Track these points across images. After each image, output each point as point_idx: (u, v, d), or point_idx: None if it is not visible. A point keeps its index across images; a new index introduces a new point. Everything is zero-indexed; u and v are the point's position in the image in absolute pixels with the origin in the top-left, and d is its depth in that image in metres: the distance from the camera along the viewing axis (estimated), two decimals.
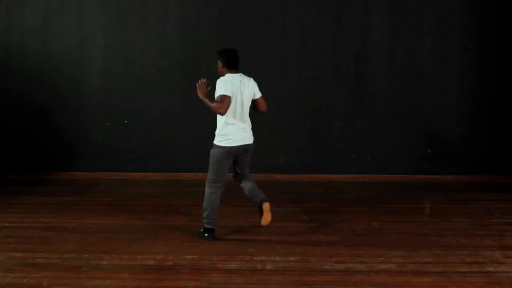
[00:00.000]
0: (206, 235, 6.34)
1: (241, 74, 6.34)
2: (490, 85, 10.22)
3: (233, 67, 6.33)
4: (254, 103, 6.44)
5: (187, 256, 5.77)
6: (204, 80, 6.33)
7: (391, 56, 10.22)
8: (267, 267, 5.51)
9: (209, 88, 6.30)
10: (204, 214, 6.35)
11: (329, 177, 10.11)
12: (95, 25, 10.17)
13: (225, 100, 6.07)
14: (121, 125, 10.23)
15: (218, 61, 6.36)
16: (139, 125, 10.23)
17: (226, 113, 6.15)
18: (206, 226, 6.36)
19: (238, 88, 6.22)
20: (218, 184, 6.34)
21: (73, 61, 10.19)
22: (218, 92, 6.10)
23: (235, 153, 6.30)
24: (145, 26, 10.19)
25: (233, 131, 6.25)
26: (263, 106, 6.46)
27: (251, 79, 6.39)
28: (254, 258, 5.75)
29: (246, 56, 10.09)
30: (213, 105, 6.12)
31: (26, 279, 5.11)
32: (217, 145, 6.30)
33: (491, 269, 5.50)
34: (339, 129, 10.27)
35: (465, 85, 10.25)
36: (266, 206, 6.36)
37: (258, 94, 6.42)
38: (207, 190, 6.36)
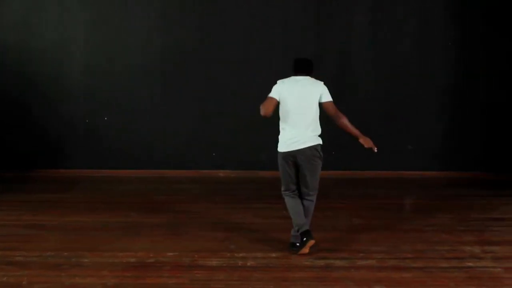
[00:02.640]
0: (304, 239, 5.81)
1: (307, 77, 6.01)
2: (471, 82, 10.26)
3: (299, 70, 6.06)
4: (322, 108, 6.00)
5: (168, 253, 5.76)
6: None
7: (373, 53, 10.24)
8: (248, 263, 5.52)
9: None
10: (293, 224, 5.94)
11: None
12: (76, 21, 10.11)
13: (265, 101, 5.89)
14: (104, 122, 10.18)
15: None
16: (122, 122, 10.19)
17: (283, 118, 5.94)
18: (299, 232, 5.87)
19: (293, 90, 5.89)
20: (286, 192, 6.04)
21: (55, 57, 10.12)
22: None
23: (289, 159, 5.94)
24: (128, 22, 10.15)
25: (286, 136, 5.97)
26: (329, 111, 5.99)
27: (319, 82, 6.01)
28: (235, 254, 5.76)
29: (228, 53, 10.18)
30: None
31: (5, 278, 5.08)
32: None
33: (470, 264, 5.54)
34: (322, 125, 10.25)
35: (447, 82, 10.29)
36: (310, 243, 5.78)
37: (324, 99, 5.97)
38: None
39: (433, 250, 5.95)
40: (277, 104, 5.90)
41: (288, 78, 6.03)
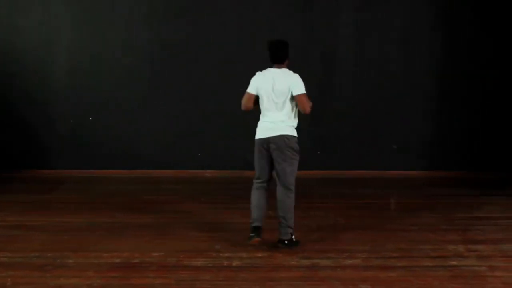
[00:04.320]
0: (252, 234, 5.97)
1: (283, 69, 6.08)
2: (457, 82, 10.32)
3: (272, 61, 6.13)
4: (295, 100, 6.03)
5: (153, 254, 5.75)
6: None
7: (358, 53, 10.27)
8: (234, 263, 5.52)
9: None
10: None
11: (297, 173, 10.12)
12: (61, 21, 10.06)
13: (244, 96, 6.11)
14: (89, 122, 10.14)
15: None
16: (108, 122, 10.15)
17: (261, 108, 6.05)
18: (251, 225, 6.02)
19: (268, 83, 5.99)
20: (254, 181, 6.16)
21: (39, 57, 10.07)
22: None
23: (262, 146, 6.01)
24: (113, 22, 10.11)
25: (260, 124, 6.08)
26: (301, 105, 6.00)
27: (293, 75, 6.03)
28: (221, 254, 5.76)
29: (215, 53, 10.17)
30: None
31: None
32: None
33: (454, 263, 5.58)
34: (305, 125, 10.26)
35: (432, 81, 10.34)
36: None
37: (296, 91, 5.98)
38: None
39: (417, 249, 5.98)
40: (256, 97, 6.05)
41: (264, 71, 6.11)
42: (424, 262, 5.61)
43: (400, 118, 10.34)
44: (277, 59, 6.10)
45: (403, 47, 10.28)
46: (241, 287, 4.95)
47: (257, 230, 5.96)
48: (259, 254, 5.76)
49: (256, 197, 6.07)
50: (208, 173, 10.07)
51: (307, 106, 6.00)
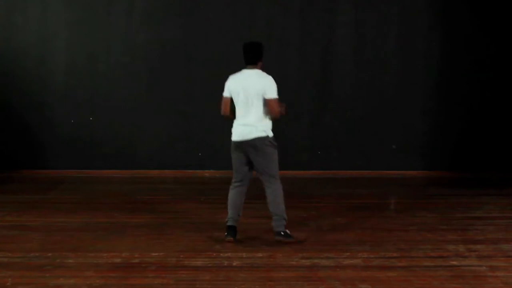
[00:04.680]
0: (226, 233, 6.13)
1: (256, 70, 6.11)
2: (455, 81, 10.34)
3: (246, 63, 6.18)
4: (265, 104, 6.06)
5: (153, 254, 5.73)
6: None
7: (356, 52, 10.28)
8: (234, 263, 5.51)
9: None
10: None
11: (294, 173, 10.13)
12: (59, 20, 10.06)
13: (221, 101, 6.17)
14: (86, 122, 10.13)
15: None
16: (105, 122, 10.15)
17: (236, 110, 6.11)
18: (226, 224, 6.16)
19: (241, 85, 6.05)
20: (232, 181, 6.25)
21: (37, 56, 10.08)
22: None
23: (239, 148, 6.10)
24: (110, 21, 10.11)
25: (234, 127, 6.16)
26: (271, 109, 6.01)
27: (266, 77, 6.07)
28: (221, 254, 5.74)
29: (212, 53, 10.16)
30: None
31: None
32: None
33: (455, 263, 5.56)
34: (304, 125, 10.30)
35: (431, 81, 10.36)
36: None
37: (268, 95, 6.01)
38: None
39: (417, 249, 5.97)
40: (232, 101, 6.13)
41: (237, 73, 6.19)
42: (424, 262, 5.60)
43: (399, 118, 10.34)
44: (250, 61, 6.14)
45: (402, 46, 10.29)
46: (241, 287, 4.93)
47: (231, 229, 6.11)
48: (259, 254, 5.75)
49: (233, 197, 6.17)
50: (207, 173, 10.06)
51: (277, 111, 6.04)
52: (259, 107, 6.02)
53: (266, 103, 6.00)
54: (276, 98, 6.02)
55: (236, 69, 9.93)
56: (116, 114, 10.13)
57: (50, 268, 5.31)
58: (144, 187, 9.21)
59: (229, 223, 6.14)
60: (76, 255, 5.66)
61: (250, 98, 6.00)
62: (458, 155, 10.34)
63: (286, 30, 10.22)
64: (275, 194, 6.14)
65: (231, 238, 6.08)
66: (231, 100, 6.14)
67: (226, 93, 6.16)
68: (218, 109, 6.24)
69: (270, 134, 6.08)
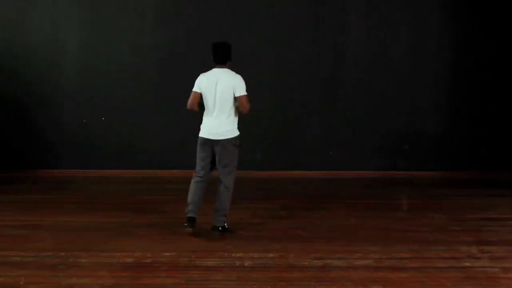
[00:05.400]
0: (185, 224, 6.38)
1: (225, 69, 6.39)
2: (467, 82, 10.29)
3: (215, 62, 6.44)
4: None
5: (165, 253, 5.75)
6: None
7: (367, 53, 10.25)
8: (246, 263, 5.51)
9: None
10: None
11: (306, 173, 10.13)
12: (70, 20, 10.10)
13: (190, 96, 6.43)
14: (96, 122, 10.17)
15: None
16: (114, 122, 10.17)
17: (205, 107, 6.39)
18: (186, 215, 6.40)
19: (212, 83, 6.30)
20: (195, 175, 6.52)
21: (48, 57, 10.11)
22: None
23: (206, 145, 6.42)
24: (122, 22, 10.13)
25: (205, 123, 6.43)
26: (242, 106, 6.34)
27: (236, 76, 6.37)
28: (233, 254, 5.75)
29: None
30: None
31: (2, 278, 5.05)
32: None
33: (467, 264, 5.55)
34: (316, 125, 10.28)
35: (442, 81, 10.32)
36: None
37: (238, 93, 6.32)
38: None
39: (429, 250, 5.95)
40: (200, 96, 6.40)
41: (207, 72, 6.43)
42: (437, 263, 5.58)
43: (411, 118, 10.31)
44: (220, 60, 6.42)
45: (413, 45, 10.26)
46: (252, 287, 4.94)
47: (192, 221, 6.34)
48: (271, 255, 5.75)
49: (195, 190, 6.43)
50: (216, 173, 10.04)
51: (247, 107, 6.37)
52: (230, 105, 6.34)
53: (238, 100, 6.32)
54: (246, 95, 6.35)
55: (246, 69, 9.98)
56: (126, 115, 10.14)
57: (63, 267, 5.34)
58: (154, 187, 9.22)
59: (189, 215, 6.35)
60: (88, 254, 5.69)
61: (222, 96, 6.30)
62: (469, 156, 10.29)
63: (296, 30, 10.20)
64: (228, 190, 6.46)
65: (191, 230, 6.31)
66: (200, 95, 6.39)
67: (196, 89, 6.39)
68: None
69: (237, 133, 6.44)
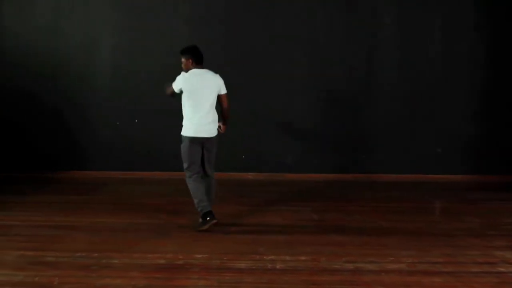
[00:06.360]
0: (208, 218, 6.62)
1: (206, 70, 6.81)
2: (502, 83, 10.16)
3: (200, 63, 6.79)
4: (218, 99, 6.84)
5: (197, 255, 5.77)
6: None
7: (400, 54, 10.17)
8: (277, 266, 5.51)
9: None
10: (195, 204, 6.74)
11: (338, 176, 10.08)
12: (104, 24, 10.20)
13: (167, 88, 6.87)
14: (130, 124, 10.24)
15: (185, 58, 6.80)
16: (148, 124, 10.23)
17: (188, 107, 6.71)
18: (202, 212, 6.67)
19: (199, 84, 6.65)
20: (191, 174, 6.79)
21: (82, 60, 10.21)
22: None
23: (196, 143, 6.74)
24: (155, 24, 10.19)
25: (193, 123, 6.72)
26: (224, 103, 6.86)
27: (217, 75, 6.80)
28: (264, 257, 5.75)
29: (254, 53, 10.17)
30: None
31: (37, 278, 5.13)
32: (182, 135, 6.85)
33: (502, 269, 5.48)
34: (348, 128, 10.23)
35: (477, 83, 10.20)
36: (213, 222, 6.67)
37: (222, 91, 6.81)
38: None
39: (463, 255, 5.89)
40: (175, 92, 6.80)
41: (189, 72, 6.75)
42: (471, 268, 5.52)
43: (444, 121, 10.21)
44: (200, 61, 6.80)
45: (446, 47, 10.15)
46: None
47: (211, 213, 6.62)
48: (303, 258, 5.74)
49: (198, 185, 6.72)
50: (251, 175, 10.07)
51: (229, 105, 6.90)
52: (214, 103, 6.77)
53: (220, 98, 6.81)
54: (226, 93, 6.86)
55: (279, 72, 10.04)
56: (159, 117, 10.18)
57: (96, 268, 5.39)
58: (185, 188, 9.23)
59: (207, 209, 6.62)
60: (121, 255, 5.73)
61: (210, 95, 6.71)
62: (504, 159, 10.14)
63: (330, 32, 10.16)
64: (215, 183, 6.96)
65: (216, 220, 6.62)
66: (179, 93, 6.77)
67: (176, 88, 6.74)
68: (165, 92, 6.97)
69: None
